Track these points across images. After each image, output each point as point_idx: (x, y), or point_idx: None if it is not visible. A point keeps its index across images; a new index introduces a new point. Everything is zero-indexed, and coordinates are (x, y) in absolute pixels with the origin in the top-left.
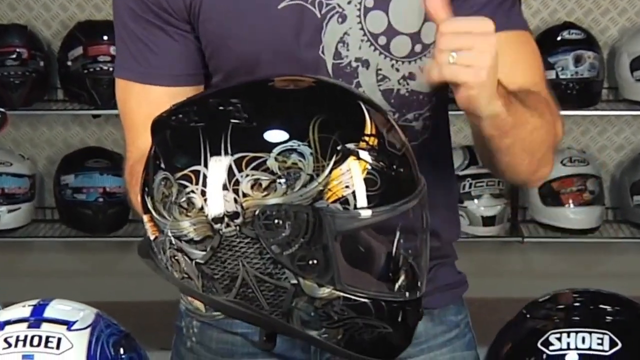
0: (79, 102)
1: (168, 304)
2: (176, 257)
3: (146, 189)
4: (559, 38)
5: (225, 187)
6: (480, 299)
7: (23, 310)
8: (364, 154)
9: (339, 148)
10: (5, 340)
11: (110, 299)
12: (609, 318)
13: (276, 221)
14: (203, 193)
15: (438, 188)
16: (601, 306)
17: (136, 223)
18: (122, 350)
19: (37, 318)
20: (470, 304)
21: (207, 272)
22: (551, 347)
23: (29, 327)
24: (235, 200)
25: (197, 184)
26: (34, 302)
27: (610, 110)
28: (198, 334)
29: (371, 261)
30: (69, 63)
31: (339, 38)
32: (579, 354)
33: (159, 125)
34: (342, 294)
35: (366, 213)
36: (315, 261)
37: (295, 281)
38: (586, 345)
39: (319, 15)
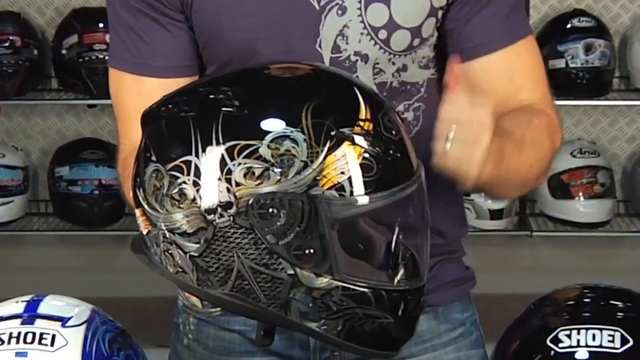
0: (73, 91)
1: (166, 300)
2: (170, 251)
3: (137, 181)
4: (568, 26)
5: (217, 177)
6: (488, 294)
7: (16, 306)
8: (359, 139)
9: (333, 133)
10: None
11: (106, 295)
12: (620, 314)
13: (270, 210)
14: (195, 183)
15: (436, 182)
16: (612, 302)
17: (132, 216)
18: (118, 348)
19: (30, 314)
20: (478, 301)
21: (201, 265)
22: (561, 344)
23: (22, 323)
24: (228, 190)
25: (188, 174)
26: (28, 297)
27: (621, 100)
28: (195, 331)
29: (370, 249)
30: (64, 51)
31: (338, 31)
32: (590, 352)
33: (149, 117)
34: (340, 283)
35: (363, 199)
36: (311, 250)
37: (292, 271)
38: (597, 343)
39: (317, 7)
